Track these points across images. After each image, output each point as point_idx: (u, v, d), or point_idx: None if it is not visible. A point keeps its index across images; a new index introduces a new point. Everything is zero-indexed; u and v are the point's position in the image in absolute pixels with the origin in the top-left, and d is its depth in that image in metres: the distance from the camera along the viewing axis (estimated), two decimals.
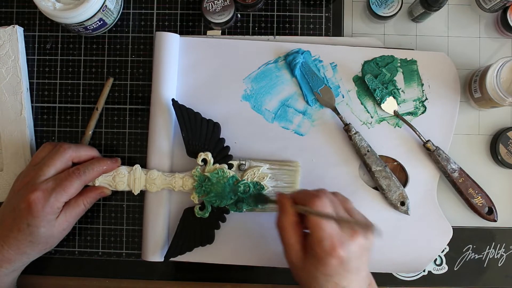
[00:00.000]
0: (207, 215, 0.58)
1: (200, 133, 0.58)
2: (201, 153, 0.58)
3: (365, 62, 0.62)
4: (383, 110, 0.61)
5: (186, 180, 0.58)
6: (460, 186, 0.60)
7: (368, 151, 0.59)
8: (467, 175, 0.60)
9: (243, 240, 0.60)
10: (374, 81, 0.60)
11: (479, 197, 0.60)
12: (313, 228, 0.47)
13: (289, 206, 0.49)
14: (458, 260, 0.62)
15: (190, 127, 0.58)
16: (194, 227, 0.58)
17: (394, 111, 0.61)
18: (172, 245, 0.58)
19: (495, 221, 0.60)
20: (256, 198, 0.57)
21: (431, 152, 0.59)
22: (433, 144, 0.59)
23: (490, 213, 0.60)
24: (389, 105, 0.61)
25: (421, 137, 0.59)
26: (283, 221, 0.49)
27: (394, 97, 0.61)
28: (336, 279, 0.47)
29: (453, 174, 0.59)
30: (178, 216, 0.59)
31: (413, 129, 0.60)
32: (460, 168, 0.60)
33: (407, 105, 0.61)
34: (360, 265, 0.47)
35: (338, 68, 0.62)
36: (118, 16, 0.64)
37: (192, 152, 0.58)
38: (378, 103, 0.61)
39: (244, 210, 0.58)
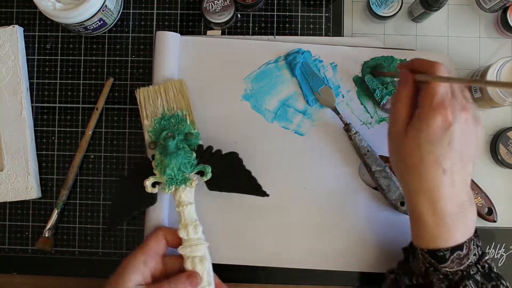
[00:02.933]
0: (209, 176, 0.56)
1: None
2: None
3: (365, 62, 0.62)
4: (383, 110, 0.61)
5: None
6: None
7: (368, 151, 0.59)
8: None
9: (242, 240, 0.60)
10: (374, 81, 0.60)
11: (479, 198, 0.60)
12: (426, 91, 0.45)
13: (410, 76, 0.48)
14: None
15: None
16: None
17: None
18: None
19: (495, 221, 0.60)
20: (374, 71, 0.57)
21: None
22: None
23: (489, 213, 0.60)
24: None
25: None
26: (401, 92, 0.48)
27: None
28: (438, 151, 0.44)
29: None
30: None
31: None
32: None
33: None
34: (464, 150, 0.45)
35: (338, 68, 0.62)
36: (118, 16, 0.64)
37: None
38: (378, 103, 0.61)
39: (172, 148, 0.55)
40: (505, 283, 0.48)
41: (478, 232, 0.49)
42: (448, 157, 0.44)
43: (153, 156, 0.57)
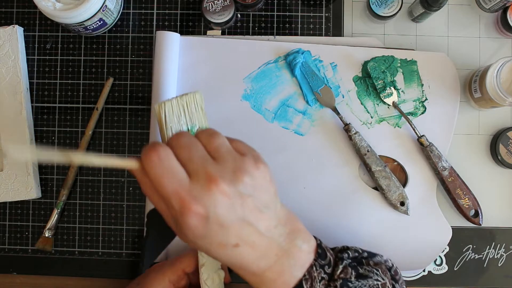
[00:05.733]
0: None
1: None
2: None
3: (365, 62, 0.62)
4: (383, 101, 0.61)
5: None
6: (449, 185, 0.59)
7: (368, 151, 0.59)
8: (457, 175, 0.60)
9: None
10: (376, 69, 0.60)
11: (466, 199, 0.60)
12: (158, 196, 0.39)
13: (137, 173, 0.41)
14: (458, 260, 0.62)
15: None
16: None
17: (393, 102, 0.61)
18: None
19: (480, 225, 0.60)
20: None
21: (424, 147, 0.59)
22: (427, 139, 0.59)
23: (475, 216, 0.60)
24: (389, 97, 0.61)
25: (416, 131, 0.59)
26: (142, 190, 0.41)
27: (395, 88, 0.61)
28: (215, 239, 0.38)
29: (443, 172, 0.59)
30: None
31: (409, 122, 0.60)
32: (451, 167, 0.60)
33: (407, 106, 0.61)
34: (243, 213, 0.38)
35: (338, 68, 0.62)
36: (118, 16, 0.64)
37: None
38: (379, 92, 0.60)
39: None
40: (378, 275, 0.45)
41: (319, 250, 0.44)
42: (231, 233, 0.39)
43: None
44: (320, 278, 0.43)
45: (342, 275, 0.44)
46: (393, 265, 0.50)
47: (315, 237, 0.46)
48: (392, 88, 0.61)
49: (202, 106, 0.51)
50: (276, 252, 0.42)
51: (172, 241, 0.52)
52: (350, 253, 0.48)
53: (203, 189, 0.37)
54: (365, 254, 0.49)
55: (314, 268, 0.43)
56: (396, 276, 0.48)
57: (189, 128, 0.50)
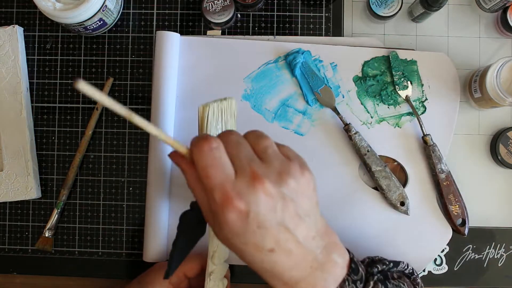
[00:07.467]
0: None
1: None
2: None
3: (365, 62, 0.62)
4: (397, 94, 0.61)
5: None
6: (443, 188, 0.59)
7: (368, 151, 0.59)
8: (453, 181, 0.60)
9: None
10: (397, 60, 0.60)
11: (457, 206, 0.59)
12: (201, 186, 0.39)
13: (185, 162, 0.41)
14: (458, 260, 0.62)
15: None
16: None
17: (406, 96, 0.61)
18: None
19: (464, 235, 0.59)
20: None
21: (426, 146, 0.59)
22: (431, 139, 0.59)
23: (462, 225, 0.60)
24: (404, 89, 0.61)
25: (423, 128, 0.60)
26: (190, 180, 0.40)
27: (411, 82, 0.61)
28: (252, 239, 0.38)
29: (440, 175, 0.59)
30: (178, 215, 0.59)
31: (417, 118, 0.60)
32: (449, 172, 0.59)
33: (407, 106, 0.61)
34: (284, 217, 0.38)
35: (338, 68, 0.62)
36: (118, 16, 0.64)
37: None
38: (396, 84, 0.61)
39: None
40: None
41: (352, 265, 0.44)
42: (268, 236, 0.38)
43: None
44: None
45: None
46: (412, 270, 0.52)
47: (348, 251, 0.45)
48: (409, 82, 0.61)
49: (236, 113, 0.51)
50: (311, 264, 0.41)
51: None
52: (379, 266, 0.48)
53: (248, 186, 0.37)
54: (391, 265, 0.50)
55: (347, 283, 0.43)
56: (414, 283, 0.51)
57: None
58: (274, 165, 0.39)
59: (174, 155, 0.42)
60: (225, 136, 0.40)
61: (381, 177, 0.59)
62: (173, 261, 0.47)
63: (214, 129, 0.48)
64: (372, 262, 0.49)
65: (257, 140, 0.41)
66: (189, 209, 0.47)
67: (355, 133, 0.59)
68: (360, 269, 0.45)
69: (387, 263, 0.50)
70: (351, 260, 0.44)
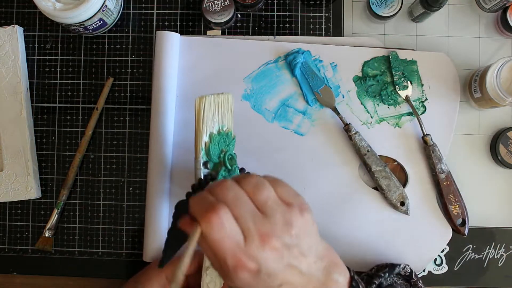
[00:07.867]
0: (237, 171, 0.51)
1: None
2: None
3: (365, 62, 0.62)
4: (397, 94, 0.61)
5: None
6: (443, 188, 0.59)
7: (368, 151, 0.59)
8: (453, 181, 0.60)
9: None
10: (397, 59, 0.60)
11: (457, 206, 0.59)
12: (212, 253, 0.39)
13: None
14: (458, 260, 0.62)
15: None
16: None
17: (406, 96, 0.61)
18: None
19: (464, 235, 0.59)
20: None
21: (426, 146, 0.59)
22: (431, 139, 0.59)
23: (462, 225, 0.60)
24: (404, 89, 0.61)
25: (423, 128, 0.60)
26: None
27: (411, 82, 0.61)
28: (261, 285, 0.40)
29: (440, 175, 0.59)
30: None
31: (417, 118, 0.60)
32: (449, 172, 0.59)
33: (407, 105, 0.61)
34: (289, 260, 0.40)
35: (338, 68, 0.62)
36: (118, 16, 0.64)
37: None
38: (396, 84, 0.61)
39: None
40: None
41: (353, 283, 0.46)
42: (277, 278, 0.40)
43: (207, 176, 0.51)
44: None
45: None
46: (411, 272, 0.56)
47: (348, 269, 0.47)
48: (409, 82, 0.61)
49: (232, 108, 0.51)
50: (314, 285, 0.42)
51: None
52: (376, 282, 0.50)
53: (257, 248, 0.38)
54: (387, 275, 0.52)
55: None
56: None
57: (219, 127, 0.50)
58: (276, 218, 0.40)
59: (185, 223, 0.41)
60: (221, 191, 0.40)
61: (381, 177, 0.59)
62: (168, 250, 0.48)
63: (210, 122, 0.48)
64: (369, 277, 0.51)
65: (255, 191, 0.40)
66: (185, 198, 0.47)
67: (355, 133, 0.59)
68: (361, 286, 0.46)
69: (382, 274, 0.52)
70: (352, 278, 0.46)
